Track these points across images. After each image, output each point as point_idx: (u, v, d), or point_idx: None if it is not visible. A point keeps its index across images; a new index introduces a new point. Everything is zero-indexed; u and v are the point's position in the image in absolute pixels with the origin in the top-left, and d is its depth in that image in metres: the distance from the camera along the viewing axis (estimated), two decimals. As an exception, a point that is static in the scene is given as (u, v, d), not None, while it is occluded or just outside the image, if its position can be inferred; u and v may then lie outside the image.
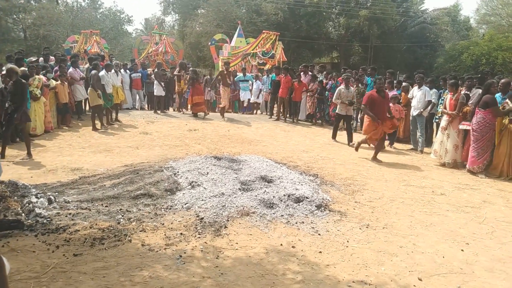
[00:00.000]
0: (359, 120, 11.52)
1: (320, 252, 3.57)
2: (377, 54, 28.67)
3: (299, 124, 11.83)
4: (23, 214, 3.94)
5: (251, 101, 14.07)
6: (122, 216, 4.10)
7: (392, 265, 3.41)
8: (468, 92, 7.76)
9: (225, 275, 3.06)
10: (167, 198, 4.74)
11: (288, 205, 4.57)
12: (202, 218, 4.13)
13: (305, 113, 12.19)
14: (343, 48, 30.58)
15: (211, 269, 3.14)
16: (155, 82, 11.77)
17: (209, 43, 22.51)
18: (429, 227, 4.36)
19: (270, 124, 11.39)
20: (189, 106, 12.08)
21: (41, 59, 11.02)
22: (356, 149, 7.96)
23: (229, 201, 4.58)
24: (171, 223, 4.00)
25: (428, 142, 9.32)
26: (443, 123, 7.62)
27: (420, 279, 3.20)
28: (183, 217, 4.17)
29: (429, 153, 8.23)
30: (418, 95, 8.81)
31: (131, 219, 4.02)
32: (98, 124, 9.34)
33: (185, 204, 4.51)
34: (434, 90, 9.21)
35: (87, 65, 11.30)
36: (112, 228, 3.75)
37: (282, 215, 4.34)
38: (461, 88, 8.10)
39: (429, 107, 8.91)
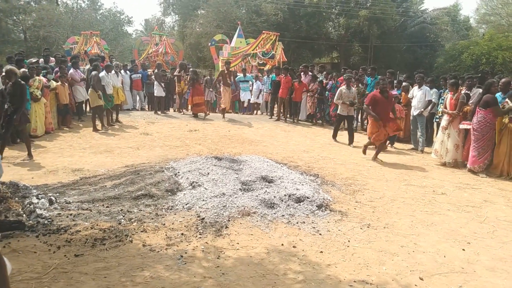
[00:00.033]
0: (359, 120, 11.53)
1: (321, 252, 3.57)
2: (377, 54, 28.67)
3: (300, 124, 11.83)
4: (24, 215, 3.94)
5: (251, 102, 14.08)
6: (123, 216, 4.10)
7: (393, 265, 3.41)
8: (469, 92, 7.76)
9: (226, 275, 3.06)
10: (168, 198, 4.74)
11: (289, 205, 4.57)
12: (203, 218, 4.13)
13: (305, 113, 12.19)
14: (343, 48, 30.59)
15: (212, 269, 3.14)
16: (155, 83, 11.78)
17: (209, 43, 22.51)
18: (430, 227, 4.35)
19: (271, 125, 11.39)
20: (189, 107, 12.09)
21: (41, 60, 11.03)
22: (364, 152, 7.81)
23: (230, 201, 4.58)
24: (172, 224, 4.00)
25: (429, 141, 9.31)
26: (443, 122, 7.62)
27: (421, 279, 3.20)
28: (184, 217, 4.17)
29: (429, 153, 8.23)
30: (418, 95, 8.81)
31: (132, 220, 4.02)
32: (98, 125, 9.35)
33: (186, 204, 4.51)
34: (434, 89, 9.21)
35: (87, 66, 11.31)
36: (113, 229, 3.75)
37: (283, 215, 4.34)
38: (461, 88, 8.10)
39: (429, 107, 8.91)
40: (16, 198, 4.33)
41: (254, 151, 7.74)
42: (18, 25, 30.23)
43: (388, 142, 9.22)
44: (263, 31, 17.95)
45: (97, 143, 8.02)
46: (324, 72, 12.81)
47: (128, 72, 12.57)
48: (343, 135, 9.67)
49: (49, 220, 3.87)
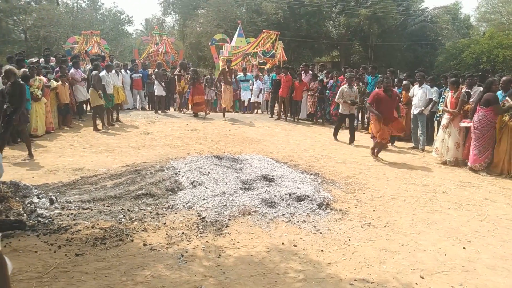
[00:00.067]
0: (359, 119, 11.52)
1: (322, 250, 3.57)
2: (377, 52, 28.66)
3: (300, 123, 11.82)
4: (25, 215, 3.94)
5: (251, 101, 14.08)
6: (124, 216, 4.10)
7: (394, 263, 3.41)
8: (469, 90, 7.75)
9: (227, 274, 3.06)
10: (169, 197, 4.74)
11: (289, 204, 4.57)
12: (204, 218, 4.13)
13: (305, 112, 12.18)
14: (343, 47, 30.58)
15: (213, 268, 3.15)
16: (156, 82, 11.78)
17: (210, 43, 22.52)
18: (431, 225, 4.35)
19: (271, 124, 11.39)
20: (189, 106, 12.09)
21: (41, 60, 11.04)
22: (375, 154, 7.62)
23: (230, 200, 4.59)
24: (173, 223, 4.00)
25: (429, 140, 9.30)
26: (444, 121, 7.61)
27: (422, 277, 3.20)
28: (184, 216, 4.18)
29: (430, 151, 8.22)
30: (419, 94, 8.80)
31: (133, 219, 4.02)
32: (99, 124, 9.35)
33: (187, 203, 4.52)
34: (435, 88, 9.20)
35: (89, 65, 11.31)
36: (113, 228, 3.75)
37: (284, 214, 4.34)
38: (462, 86, 8.09)
39: (430, 105, 8.89)
40: (17, 198, 4.33)
41: (255, 150, 7.74)
42: (18, 25, 30.26)
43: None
44: (264, 30, 17.97)
45: (98, 143, 8.03)
46: (325, 71, 12.80)
47: (128, 71, 12.57)
48: (343, 134, 9.66)
49: (49, 219, 3.87)
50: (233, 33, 21.54)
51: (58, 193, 4.67)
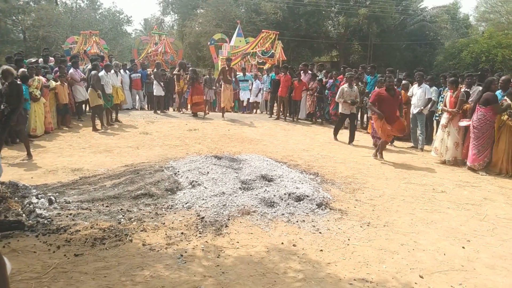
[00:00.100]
0: (358, 119, 11.51)
1: (321, 250, 3.57)
2: (376, 52, 28.68)
3: (299, 123, 11.83)
4: (23, 215, 3.94)
5: (250, 101, 14.07)
6: (123, 216, 4.10)
7: (393, 263, 3.41)
8: (468, 90, 7.75)
9: (226, 274, 3.06)
10: (168, 197, 4.74)
11: (288, 204, 4.57)
12: (203, 218, 4.13)
13: (305, 112, 12.18)
14: (342, 46, 30.58)
15: (212, 268, 3.14)
16: (155, 82, 11.76)
17: (209, 42, 22.49)
18: (430, 225, 4.35)
19: (270, 123, 11.39)
20: (188, 106, 12.08)
21: (40, 60, 11.02)
22: (380, 156, 7.60)
23: (229, 200, 4.58)
24: (172, 223, 4.00)
25: (428, 140, 9.30)
26: (443, 120, 7.61)
27: (421, 277, 3.20)
28: (183, 216, 4.17)
29: (429, 151, 8.23)
30: (418, 93, 8.81)
31: (132, 219, 4.02)
32: (98, 124, 9.34)
33: (186, 203, 4.51)
34: (434, 87, 9.21)
35: (87, 65, 11.29)
36: (113, 228, 3.75)
37: (283, 214, 4.34)
38: (461, 86, 8.10)
39: (429, 105, 8.90)
40: (16, 198, 4.33)
41: (254, 150, 7.74)
42: (17, 25, 30.23)
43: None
44: (263, 30, 17.96)
45: (97, 143, 8.02)
46: (324, 71, 12.79)
47: (127, 71, 12.55)
48: (342, 134, 9.66)
49: (48, 219, 3.87)
50: (232, 33, 21.52)
51: (57, 193, 4.66)
